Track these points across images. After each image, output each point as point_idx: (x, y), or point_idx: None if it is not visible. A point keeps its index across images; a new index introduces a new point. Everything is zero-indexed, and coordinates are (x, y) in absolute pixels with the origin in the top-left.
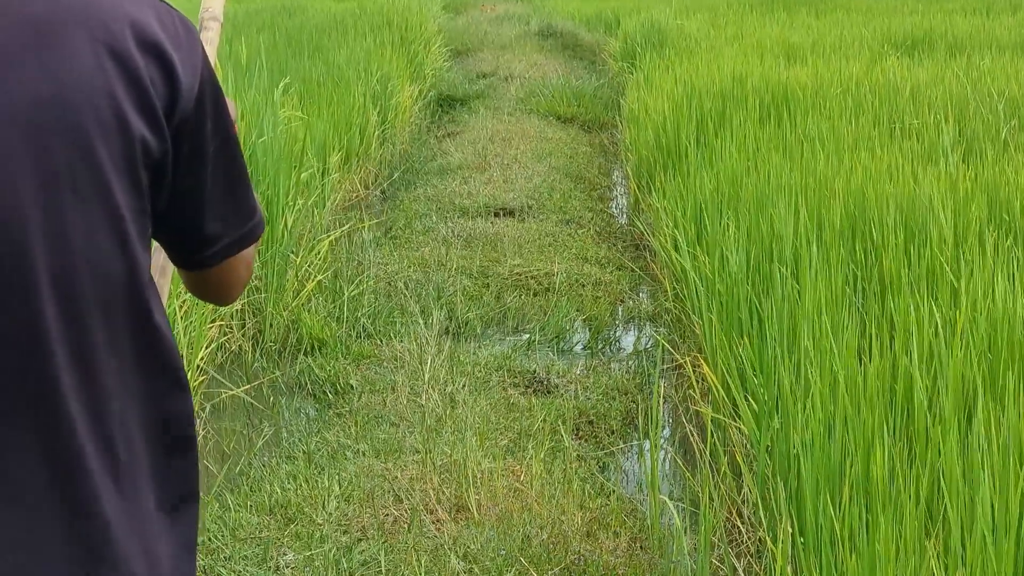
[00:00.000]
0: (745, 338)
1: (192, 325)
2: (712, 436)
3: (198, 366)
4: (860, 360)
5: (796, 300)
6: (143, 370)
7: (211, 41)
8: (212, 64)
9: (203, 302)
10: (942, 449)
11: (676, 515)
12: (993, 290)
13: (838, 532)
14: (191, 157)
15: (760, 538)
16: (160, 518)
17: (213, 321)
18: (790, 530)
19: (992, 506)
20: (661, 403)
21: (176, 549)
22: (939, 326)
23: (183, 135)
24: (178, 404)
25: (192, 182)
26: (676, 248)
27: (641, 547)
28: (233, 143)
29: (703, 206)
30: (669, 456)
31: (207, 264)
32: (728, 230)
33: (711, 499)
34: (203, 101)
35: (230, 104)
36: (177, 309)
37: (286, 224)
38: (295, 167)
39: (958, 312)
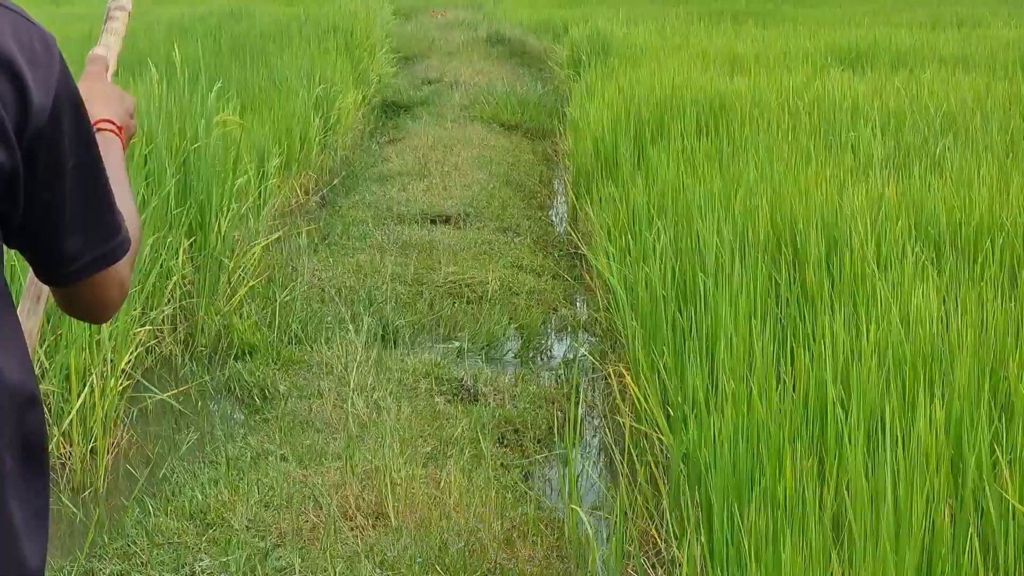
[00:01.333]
0: (665, 348)
1: (117, 328)
2: (630, 447)
3: (123, 370)
4: (778, 372)
5: (716, 312)
6: None
7: (116, 32)
8: (111, 67)
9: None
10: (850, 461)
11: (589, 525)
12: (907, 303)
13: (743, 542)
14: (47, 173)
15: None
16: (22, 532)
17: (143, 325)
18: (698, 541)
19: (896, 517)
20: (580, 413)
21: (35, 569)
22: (854, 339)
23: (38, 151)
24: (34, 419)
25: (49, 198)
26: (611, 258)
27: (559, 556)
28: (94, 159)
29: (634, 216)
30: (593, 466)
31: (70, 280)
32: (656, 241)
33: (626, 510)
34: (59, 117)
35: (128, 100)
36: None
37: (219, 229)
38: (231, 173)
39: (872, 325)
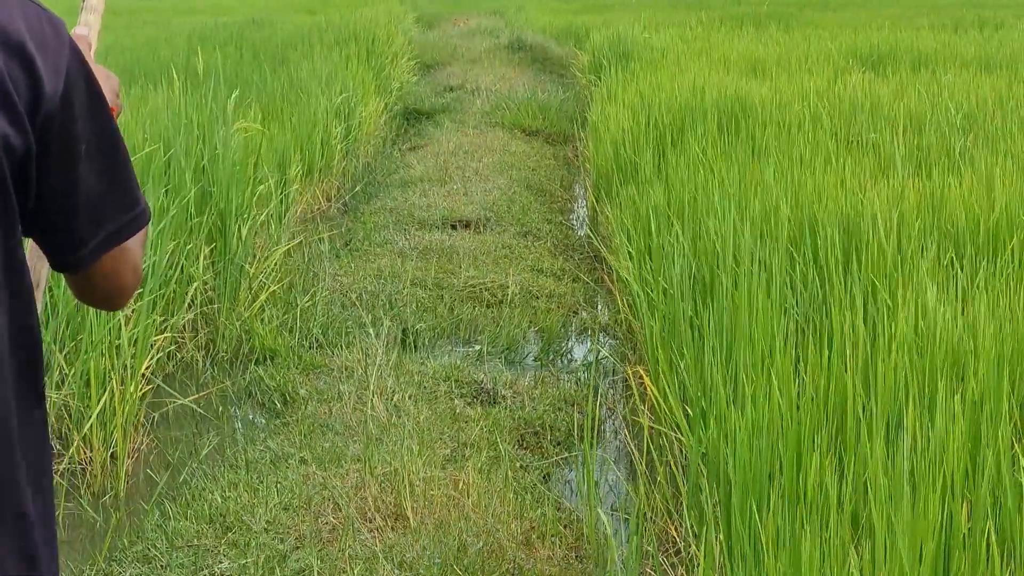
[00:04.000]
0: (684, 348)
1: (137, 334)
2: (650, 446)
3: (143, 375)
4: (797, 370)
5: (734, 311)
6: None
7: (95, 9)
8: (92, 45)
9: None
10: (869, 456)
11: (608, 525)
12: (927, 300)
13: (762, 539)
14: (60, 156)
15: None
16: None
17: (163, 331)
18: (716, 538)
19: (914, 511)
20: (599, 414)
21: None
22: (874, 335)
23: (50, 134)
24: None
25: (63, 180)
26: (631, 259)
27: (577, 557)
28: (110, 138)
29: (653, 217)
30: (613, 467)
31: (84, 263)
32: (674, 242)
33: (645, 509)
34: (70, 100)
35: (113, 79)
36: (123, 319)
37: (239, 236)
38: (251, 179)
39: (893, 323)
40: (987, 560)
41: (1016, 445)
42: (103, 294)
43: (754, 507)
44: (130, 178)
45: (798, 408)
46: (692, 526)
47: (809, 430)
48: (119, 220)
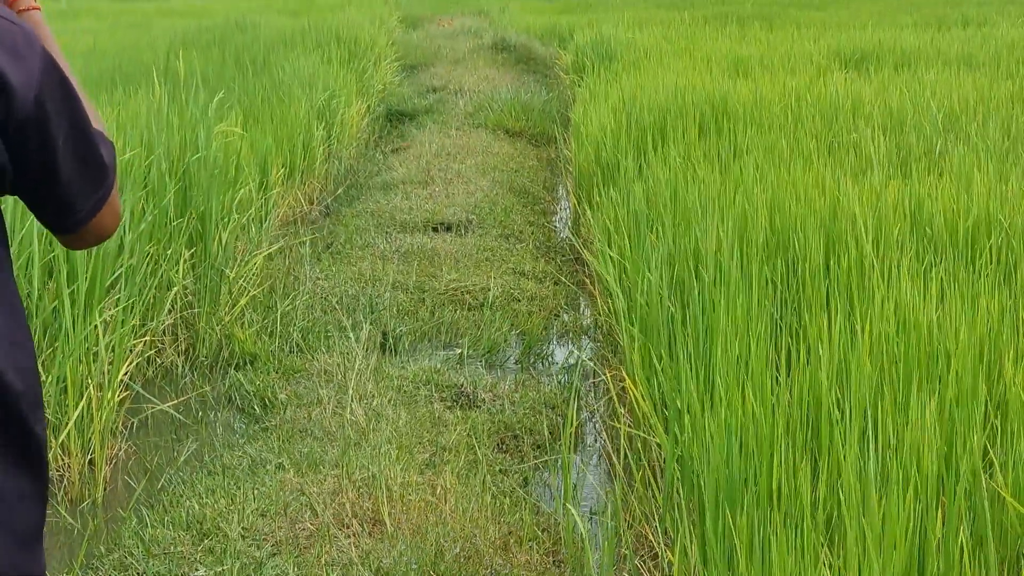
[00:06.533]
0: (662, 351)
1: (114, 340)
2: (627, 450)
3: (121, 381)
4: (775, 373)
5: (712, 312)
6: None
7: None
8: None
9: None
10: (842, 460)
11: (584, 529)
12: (904, 302)
13: (735, 543)
14: (40, 152)
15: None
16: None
17: (143, 336)
18: (691, 542)
19: (884, 515)
20: (578, 417)
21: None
22: (850, 338)
23: (26, 134)
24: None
25: (45, 172)
26: (611, 262)
27: (555, 561)
28: (81, 125)
29: (633, 220)
30: (591, 471)
31: (76, 228)
32: (655, 244)
33: (620, 512)
34: (43, 102)
35: (44, 31)
36: (102, 325)
37: (220, 240)
38: (232, 183)
39: (868, 324)
40: (960, 565)
41: (990, 450)
42: (92, 243)
43: (728, 511)
44: (98, 153)
45: (773, 410)
46: (667, 530)
47: (783, 433)
48: (96, 193)
